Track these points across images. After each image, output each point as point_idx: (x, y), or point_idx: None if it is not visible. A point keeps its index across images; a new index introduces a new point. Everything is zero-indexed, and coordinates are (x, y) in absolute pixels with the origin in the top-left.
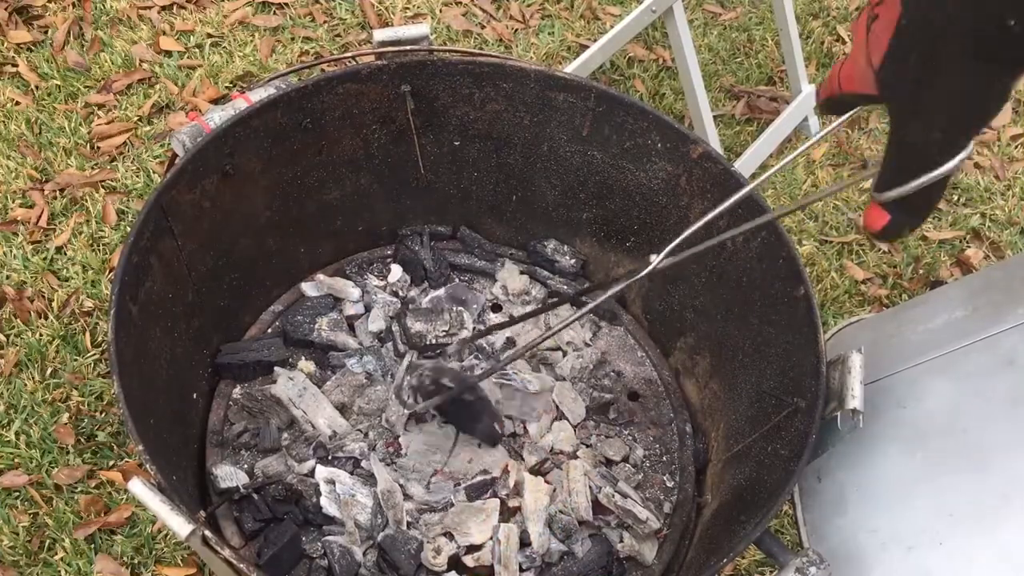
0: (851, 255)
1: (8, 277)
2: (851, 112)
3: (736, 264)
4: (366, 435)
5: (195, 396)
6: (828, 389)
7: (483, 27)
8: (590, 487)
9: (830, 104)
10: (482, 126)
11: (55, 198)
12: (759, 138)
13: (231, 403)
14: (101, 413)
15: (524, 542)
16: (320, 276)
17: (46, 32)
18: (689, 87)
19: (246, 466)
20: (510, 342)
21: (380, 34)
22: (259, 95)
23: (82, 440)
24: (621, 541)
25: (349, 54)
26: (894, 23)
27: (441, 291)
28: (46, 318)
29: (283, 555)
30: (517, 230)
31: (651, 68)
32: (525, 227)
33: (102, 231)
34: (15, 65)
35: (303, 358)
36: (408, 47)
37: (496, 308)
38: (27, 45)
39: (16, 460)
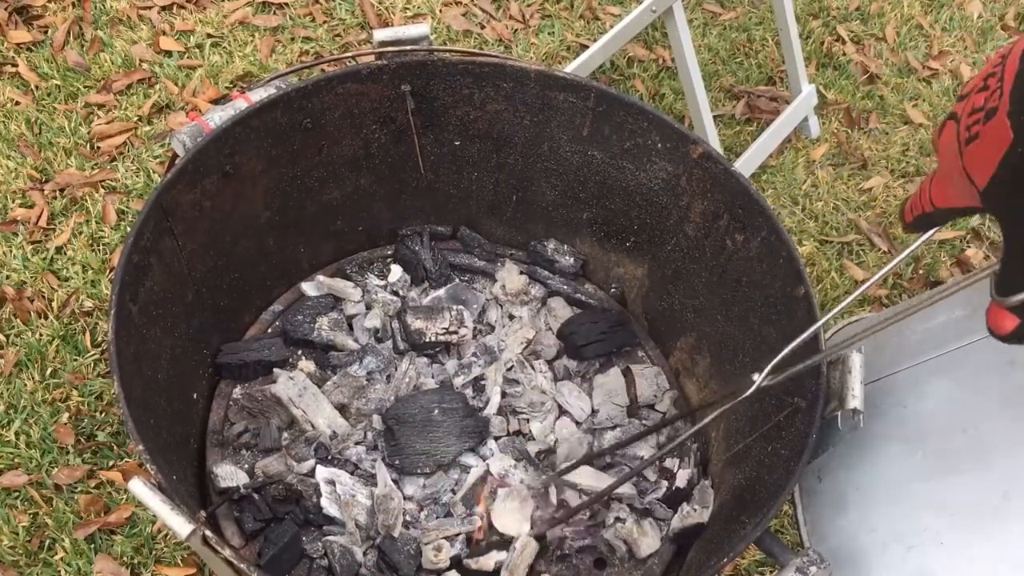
0: (851, 255)
1: (8, 277)
2: (939, 227)
3: (736, 264)
4: (365, 435)
5: (195, 396)
6: (828, 389)
7: (483, 27)
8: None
9: (919, 223)
10: (482, 126)
11: (55, 198)
12: (759, 138)
13: (231, 403)
14: (101, 413)
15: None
16: (320, 276)
17: (46, 32)
18: (689, 87)
19: (246, 466)
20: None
21: (380, 34)
22: (259, 95)
23: (82, 440)
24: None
25: (349, 54)
26: (1003, 150)
27: (441, 291)
28: (46, 318)
29: (283, 555)
30: (517, 230)
31: (651, 68)
32: (525, 227)
33: (102, 231)
34: (15, 65)
35: (303, 358)
36: (408, 47)
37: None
38: (27, 45)
39: (16, 460)
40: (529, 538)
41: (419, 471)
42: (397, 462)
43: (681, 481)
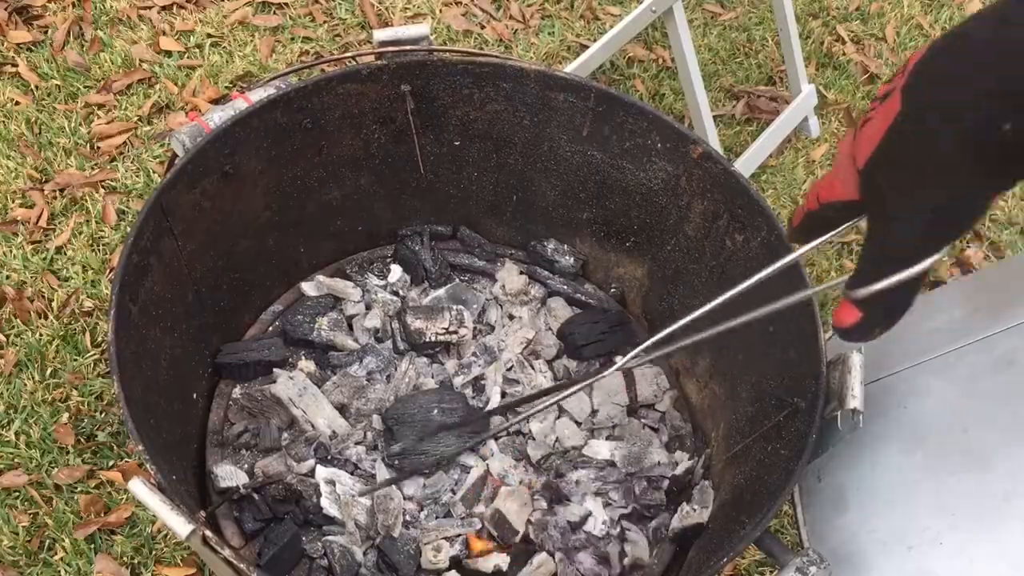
0: (851, 255)
1: (8, 277)
2: (823, 237)
3: (736, 264)
4: (365, 435)
5: (195, 396)
6: (828, 389)
7: (483, 27)
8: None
9: (806, 222)
10: (482, 126)
11: (55, 198)
12: (759, 138)
13: (231, 403)
14: (101, 413)
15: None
16: (320, 276)
17: (46, 32)
18: (689, 87)
19: (246, 466)
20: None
21: (380, 34)
22: (259, 95)
23: (82, 440)
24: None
25: (349, 54)
26: (890, 121)
27: (441, 291)
28: (46, 318)
29: (283, 555)
30: (517, 230)
31: (651, 68)
32: (525, 227)
33: (102, 231)
34: (15, 65)
35: (303, 358)
36: (408, 47)
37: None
38: (27, 45)
39: (16, 460)
40: (546, 558)
41: (422, 470)
42: (396, 462)
43: (680, 469)
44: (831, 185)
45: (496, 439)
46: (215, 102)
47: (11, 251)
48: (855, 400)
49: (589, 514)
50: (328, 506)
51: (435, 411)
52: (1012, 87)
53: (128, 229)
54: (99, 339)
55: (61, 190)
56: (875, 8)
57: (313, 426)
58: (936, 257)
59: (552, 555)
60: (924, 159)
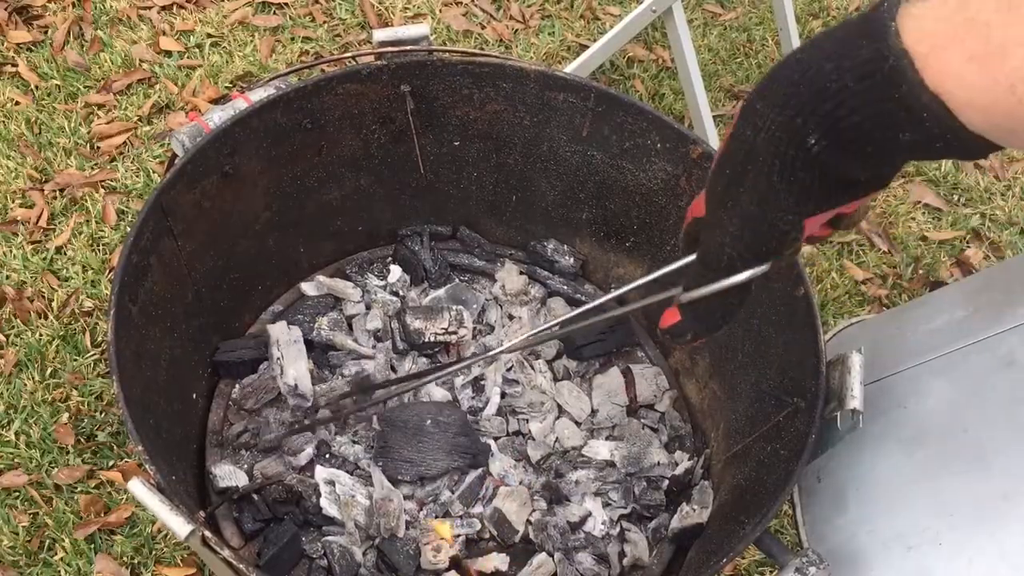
0: (851, 255)
1: (8, 277)
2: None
3: None
4: (367, 435)
5: (195, 396)
6: (828, 389)
7: (483, 27)
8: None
9: (686, 239)
10: (482, 126)
11: (55, 198)
12: None
13: (231, 403)
14: (101, 413)
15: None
16: (320, 276)
17: (46, 32)
18: (689, 87)
19: (246, 466)
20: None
21: (380, 34)
22: (259, 95)
23: (82, 440)
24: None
25: (349, 54)
26: (728, 136)
27: (441, 291)
28: (46, 318)
29: (283, 555)
30: (517, 230)
31: (651, 68)
32: (525, 227)
33: (102, 231)
34: (15, 65)
35: None
36: (408, 47)
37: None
38: (27, 45)
39: (16, 460)
40: (545, 559)
41: (400, 477)
42: (382, 463)
43: (680, 469)
44: (699, 204)
45: (495, 439)
46: (215, 102)
47: (11, 251)
48: (855, 400)
49: (589, 514)
50: (328, 506)
51: (428, 421)
52: (815, 107)
53: (128, 229)
54: (99, 339)
55: (61, 190)
56: None
57: (282, 371)
58: (748, 274)
59: (552, 555)
60: (740, 168)
